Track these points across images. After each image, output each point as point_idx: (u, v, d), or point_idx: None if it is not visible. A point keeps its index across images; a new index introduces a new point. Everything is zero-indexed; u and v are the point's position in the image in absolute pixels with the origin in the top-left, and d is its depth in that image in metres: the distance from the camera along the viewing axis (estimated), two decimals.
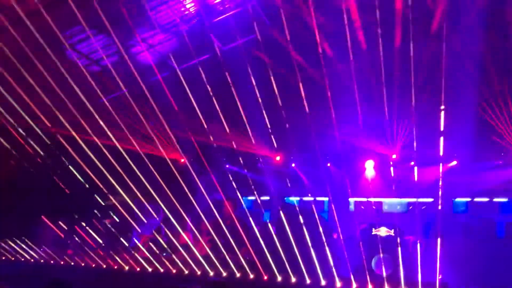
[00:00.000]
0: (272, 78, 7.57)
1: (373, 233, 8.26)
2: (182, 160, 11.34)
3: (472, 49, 9.20)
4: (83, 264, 9.10)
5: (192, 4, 10.21)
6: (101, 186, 8.79)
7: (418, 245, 8.30)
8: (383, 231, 8.24)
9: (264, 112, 8.56)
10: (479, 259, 8.16)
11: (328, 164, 11.60)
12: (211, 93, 8.14)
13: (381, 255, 8.04)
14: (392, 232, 8.27)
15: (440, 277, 8.15)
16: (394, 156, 10.79)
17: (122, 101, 8.91)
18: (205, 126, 8.35)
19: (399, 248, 7.94)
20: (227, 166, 10.79)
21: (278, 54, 7.94)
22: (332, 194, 10.02)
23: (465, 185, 10.73)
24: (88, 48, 10.30)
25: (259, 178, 10.94)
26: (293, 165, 11.19)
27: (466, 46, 9.04)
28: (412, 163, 10.81)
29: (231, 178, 8.74)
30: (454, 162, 10.86)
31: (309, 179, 11.09)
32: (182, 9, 10.26)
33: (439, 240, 8.23)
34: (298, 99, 8.14)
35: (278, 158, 11.16)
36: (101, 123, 8.08)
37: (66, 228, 10.82)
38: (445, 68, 8.30)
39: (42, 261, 9.65)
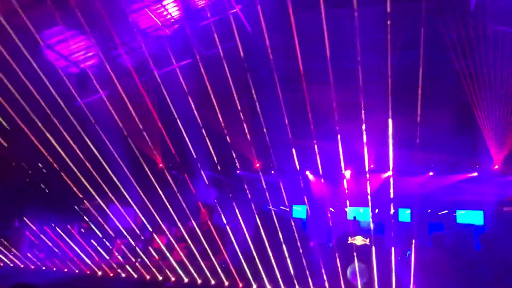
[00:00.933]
0: (251, 85, 7.58)
1: (348, 242, 8.28)
2: (161, 165, 11.26)
3: (450, 61, 9.42)
4: (54, 269, 8.91)
5: (176, 9, 10.22)
6: (76, 189, 8.64)
7: (393, 254, 8.37)
8: (358, 240, 8.27)
9: (243, 119, 8.55)
10: (454, 270, 8.25)
11: (307, 172, 11.68)
12: (190, 99, 8.10)
13: (357, 264, 8.07)
14: (367, 241, 8.30)
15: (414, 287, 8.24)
16: (372, 166, 10.94)
17: (101, 104, 8.81)
18: (183, 132, 8.29)
19: (374, 257, 7.98)
20: (206, 172, 10.77)
21: (260, 61, 7.97)
22: (310, 202, 10.06)
23: (441, 196, 10.92)
24: (67, 49, 10.19)
25: (238, 184, 10.93)
26: (272, 172, 11.21)
27: (444, 58, 9.25)
28: (390, 173, 10.95)
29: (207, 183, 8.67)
30: (430, 173, 11.05)
31: (288, 187, 11.10)
32: (165, 13, 10.26)
33: (413, 250, 8.33)
34: (278, 107, 8.17)
35: (257, 165, 11.17)
36: (76, 125, 7.96)
37: (37, 231, 10.58)
38: (423, 79, 8.46)
39: (12, 265, 9.42)
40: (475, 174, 11.02)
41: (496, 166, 10.29)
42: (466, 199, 11.12)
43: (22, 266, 9.29)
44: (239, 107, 8.04)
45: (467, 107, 9.95)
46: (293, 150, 9.22)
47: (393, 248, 7.84)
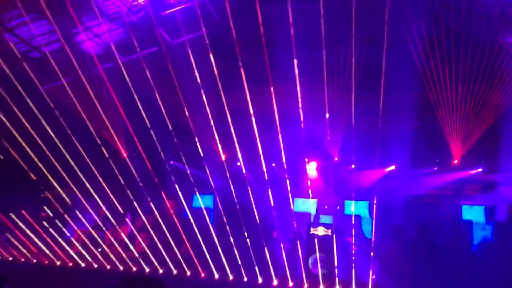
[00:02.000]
0: (217, 76, 7.55)
1: (311, 233, 8.42)
2: (124, 155, 11.09)
3: (411, 58, 9.63)
4: (10, 259, 8.69)
5: None
6: (36, 178, 8.43)
7: (353, 245, 8.58)
8: (320, 231, 8.42)
9: (209, 110, 8.51)
10: (412, 262, 8.51)
11: (273, 164, 11.73)
12: (155, 88, 8.00)
13: (318, 254, 8.23)
14: (329, 232, 8.46)
15: (374, 277, 8.47)
16: (336, 159, 11.10)
17: (63, 90, 8.57)
18: (147, 122, 8.19)
19: (335, 248, 8.15)
20: (171, 162, 10.66)
21: (226, 51, 7.94)
22: (274, 194, 10.13)
23: (402, 189, 11.18)
24: (28, 33, 9.83)
25: (204, 176, 10.89)
26: (238, 164, 11.21)
27: (406, 55, 9.44)
28: (353, 166, 11.17)
29: (173, 177, 8.63)
30: (392, 167, 11.29)
31: (254, 178, 11.15)
32: None
33: (372, 241, 8.56)
34: (244, 99, 8.17)
35: (223, 157, 11.14)
36: (37, 112, 7.75)
37: None
38: (385, 75, 8.64)
39: None
40: (435, 168, 11.32)
41: (456, 161, 10.63)
42: (426, 192, 11.42)
43: None
44: (204, 99, 8.01)
45: (429, 104, 10.23)
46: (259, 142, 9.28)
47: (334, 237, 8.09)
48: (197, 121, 9.00)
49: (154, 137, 8.34)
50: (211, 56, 7.35)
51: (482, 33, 9.06)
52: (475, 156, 10.62)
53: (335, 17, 7.01)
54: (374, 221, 8.37)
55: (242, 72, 7.26)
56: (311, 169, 11.66)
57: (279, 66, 7.60)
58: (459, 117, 10.20)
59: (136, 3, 9.93)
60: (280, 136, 8.62)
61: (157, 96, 7.98)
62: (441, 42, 9.74)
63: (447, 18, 9.29)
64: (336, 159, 10.90)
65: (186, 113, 8.41)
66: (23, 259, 8.67)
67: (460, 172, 11.01)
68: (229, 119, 7.96)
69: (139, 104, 8.02)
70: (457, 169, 10.73)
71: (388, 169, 11.21)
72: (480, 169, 10.84)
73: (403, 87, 9.65)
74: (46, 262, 8.36)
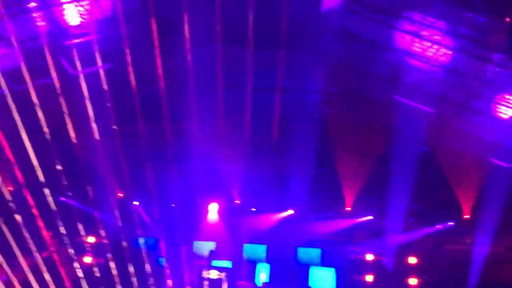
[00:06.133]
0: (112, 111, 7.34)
1: (203, 276, 8.22)
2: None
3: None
4: None
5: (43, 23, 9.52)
6: None
7: None
8: (213, 274, 8.27)
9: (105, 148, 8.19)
10: None
11: (173, 205, 11.41)
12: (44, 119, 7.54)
13: None
14: (223, 276, 8.32)
15: None
16: (237, 202, 11.14)
17: None
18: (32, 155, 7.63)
19: None
20: (61, 199, 9.90)
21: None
22: (172, 236, 9.85)
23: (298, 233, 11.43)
24: None
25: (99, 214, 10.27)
26: (135, 203, 10.78)
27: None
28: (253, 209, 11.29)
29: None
30: (291, 211, 11.51)
31: (152, 219, 10.77)
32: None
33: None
34: (142, 136, 7.99)
35: (120, 195, 10.67)
36: None
37: None
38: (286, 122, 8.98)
39: None
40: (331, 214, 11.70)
41: (348, 208, 11.19)
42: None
43: None
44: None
45: (328, 153, 10.77)
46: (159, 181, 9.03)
47: None
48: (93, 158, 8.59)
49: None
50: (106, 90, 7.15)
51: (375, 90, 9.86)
52: (367, 203, 11.25)
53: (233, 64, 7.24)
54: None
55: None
56: (212, 211, 11.52)
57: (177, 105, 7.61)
58: (353, 165, 10.83)
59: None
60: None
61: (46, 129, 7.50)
62: (340, 94, 10.44)
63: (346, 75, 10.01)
64: (238, 201, 10.94)
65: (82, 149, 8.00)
66: None
67: (352, 219, 11.46)
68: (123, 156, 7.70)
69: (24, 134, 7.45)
70: (349, 216, 11.23)
71: (285, 213, 11.44)
72: (371, 217, 11.42)
73: (304, 134, 10.08)
74: None
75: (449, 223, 10.75)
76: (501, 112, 8.36)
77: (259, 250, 11.05)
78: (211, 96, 8.10)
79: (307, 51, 8.68)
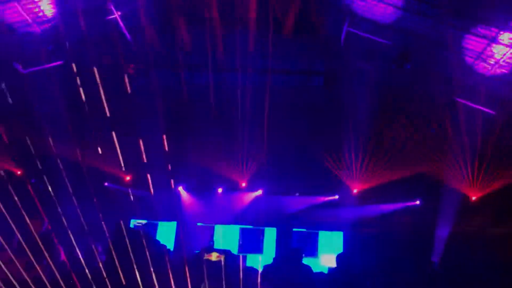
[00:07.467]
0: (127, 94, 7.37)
1: (204, 258, 8.16)
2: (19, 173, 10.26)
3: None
4: None
5: (50, 7, 9.50)
6: None
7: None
8: (214, 256, 8.18)
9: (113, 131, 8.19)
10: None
11: (180, 188, 11.49)
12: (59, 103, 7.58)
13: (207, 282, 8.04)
14: (222, 258, 8.24)
15: None
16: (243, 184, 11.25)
17: None
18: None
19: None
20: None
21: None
22: (180, 218, 9.93)
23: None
24: None
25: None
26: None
27: None
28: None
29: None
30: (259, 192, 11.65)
31: (159, 202, 10.84)
32: (36, 10, 9.48)
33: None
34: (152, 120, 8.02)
35: (128, 178, 10.73)
36: None
37: None
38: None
39: None
40: (336, 197, 11.82)
41: (355, 191, 11.32)
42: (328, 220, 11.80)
43: None
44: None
45: (334, 137, 10.85)
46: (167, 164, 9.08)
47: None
48: (102, 140, 8.60)
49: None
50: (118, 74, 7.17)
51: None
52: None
53: None
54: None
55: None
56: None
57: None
58: (362, 151, 10.91)
59: (41, 14, 9.43)
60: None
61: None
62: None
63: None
64: (244, 184, 11.04)
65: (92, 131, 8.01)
66: None
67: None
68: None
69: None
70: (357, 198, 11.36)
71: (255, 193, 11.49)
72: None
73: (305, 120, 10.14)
74: None
75: None
76: None
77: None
78: None
79: None
